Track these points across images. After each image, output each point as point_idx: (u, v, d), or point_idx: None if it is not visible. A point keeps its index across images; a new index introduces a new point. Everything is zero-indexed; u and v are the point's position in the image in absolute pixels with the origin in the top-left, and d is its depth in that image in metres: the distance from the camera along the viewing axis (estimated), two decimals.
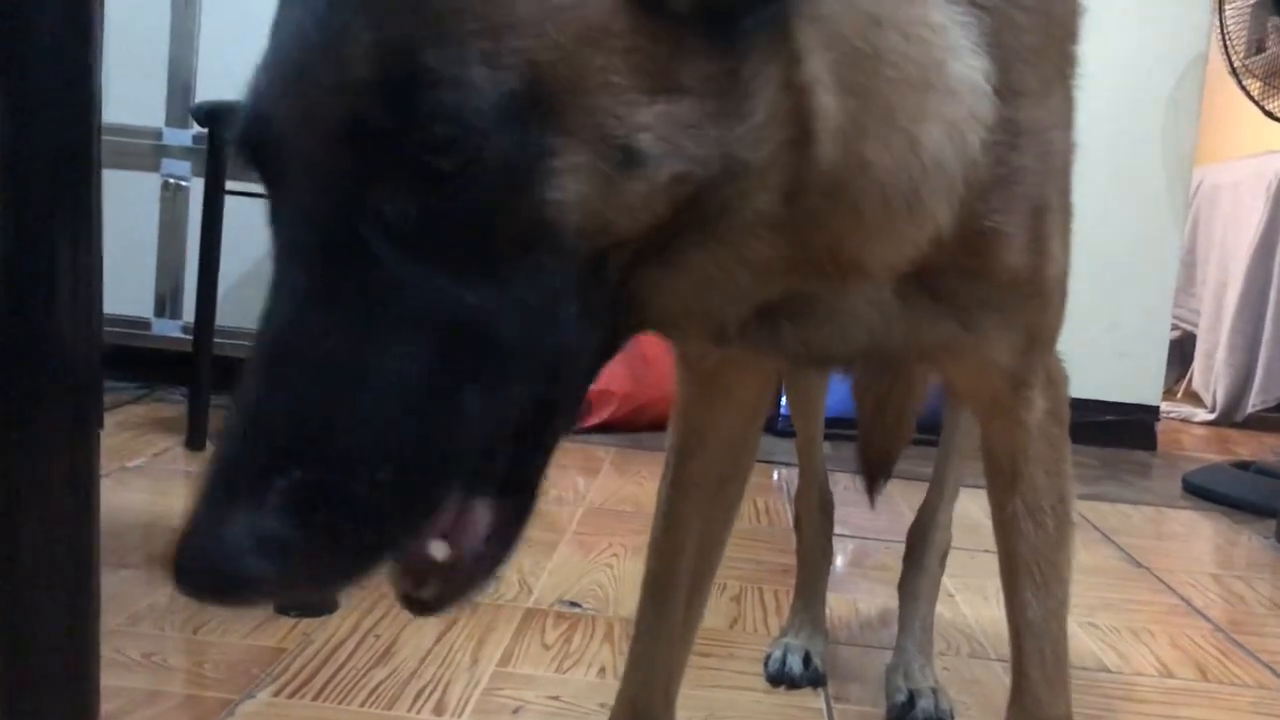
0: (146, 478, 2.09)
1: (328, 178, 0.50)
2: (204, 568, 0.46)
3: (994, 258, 0.70)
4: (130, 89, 2.76)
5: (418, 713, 1.20)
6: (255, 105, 0.52)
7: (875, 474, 1.44)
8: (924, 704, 1.29)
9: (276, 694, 1.22)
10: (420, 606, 0.57)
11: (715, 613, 1.61)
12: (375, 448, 0.48)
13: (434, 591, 0.55)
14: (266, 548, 0.46)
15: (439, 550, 0.54)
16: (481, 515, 0.55)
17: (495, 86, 0.48)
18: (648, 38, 0.51)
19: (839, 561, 1.99)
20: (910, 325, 0.71)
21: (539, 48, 0.49)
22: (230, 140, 0.54)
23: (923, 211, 0.62)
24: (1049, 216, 0.73)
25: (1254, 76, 3.16)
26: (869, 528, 2.07)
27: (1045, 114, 0.71)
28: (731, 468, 0.90)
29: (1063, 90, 0.75)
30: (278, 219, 0.52)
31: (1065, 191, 0.77)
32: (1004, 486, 0.86)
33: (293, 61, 0.51)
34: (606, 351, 0.58)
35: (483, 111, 0.48)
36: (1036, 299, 0.76)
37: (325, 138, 0.49)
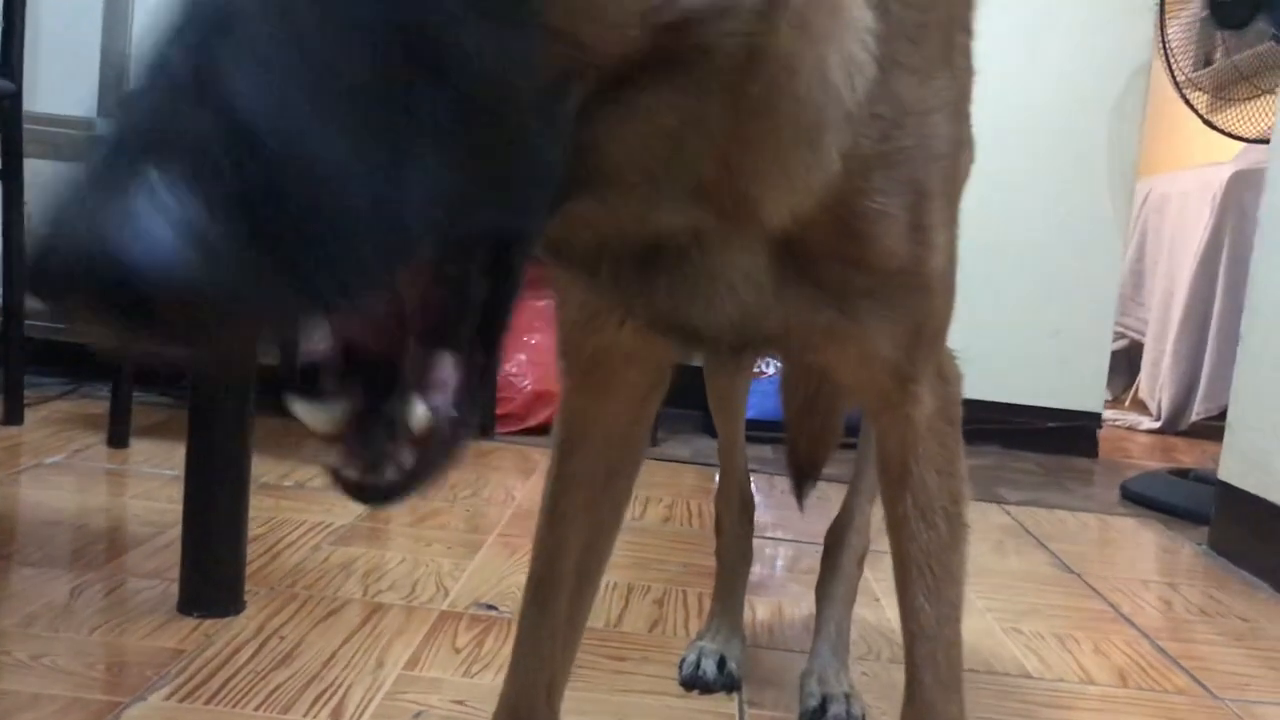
0: (64, 474, 2.04)
1: None
2: (86, 242, 0.33)
3: (874, 242, 0.68)
4: (61, 78, 2.71)
5: (314, 718, 1.17)
6: None
7: (803, 477, 1.42)
8: (835, 709, 1.27)
9: (168, 697, 1.18)
10: (375, 493, 0.49)
11: (636, 615, 1.59)
12: (330, 146, 0.38)
13: (397, 470, 0.48)
14: (199, 245, 0.34)
15: (415, 410, 0.48)
16: (449, 371, 0.49)
17: None
18: None
19: (770, 565, 1.98)
20: (788, 308, 0.69)
21: None
22: None
23: (819, 145, 0.61)
24: (932, 204, 0.71)
25: (1202, 89, 3.18)
26: (806, 531, 2.05)
27: (928, 95, 0.69)
28: (617, 463, 0.87)
29: (948, 76, 0.73)
30: None
31: (950, 180, 0.75)
32: (894, 486, 0.83)
33: None
34: (557, 199, 0.53)
35: None
36: (919, 290, 0.73)
37: None
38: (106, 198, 0.34)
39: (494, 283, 0.50)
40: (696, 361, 1.01)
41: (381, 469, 0.49)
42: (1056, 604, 1.86)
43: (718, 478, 1.46)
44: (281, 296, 0.38)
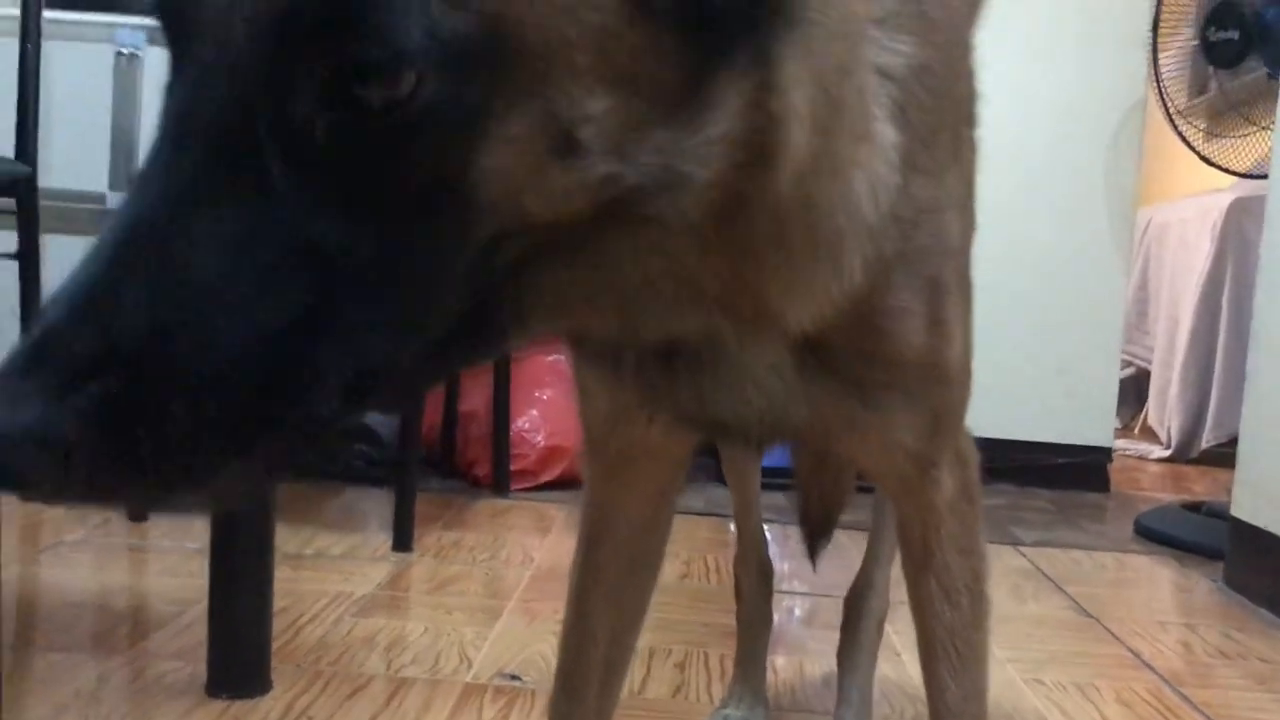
0: (85, 552, 2.05)
1: (242, 61, 0.45)
2: None
3: (894, 338, 0.71)
4: (73, 154, 2.75)
5: None
6: None
7: (816, 534, 1.43)
8: None
9: None
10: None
11: (659, 681, 1.59)
12: (202, 377, 0.45)
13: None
14: (50, 448, 0.43)
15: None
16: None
17: (452, 26, 0.44)
18: (625, 25, 0.48)
19: (789, 619, 1.99)
20: (812, 401, 0.71)
21: (514, 2, 0.46)
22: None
23: (842, 263, 0.63)
24: (947, 298, 0.73)
25: (1196, 120, 3.21)
26: (823, 582, 2.06)
27: (941, 194, 0.71)
28: (642, 552, 0.89)
29: (957, 172, 0.76)
30: (172, 92, 0.48)
31: (964, 274, 0.78)
32: (918, 568, 0.85)
33: None
34: (478, 346, 0.55)
35: (429, 50, 0.44)
36: (939, 382, 0.76)
37: (250, 26, 0.45)
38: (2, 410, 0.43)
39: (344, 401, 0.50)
40: None
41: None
42: (1076, 651, 1.86)
43: (733, 530, 1.47)
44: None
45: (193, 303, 0.45)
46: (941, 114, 0.70)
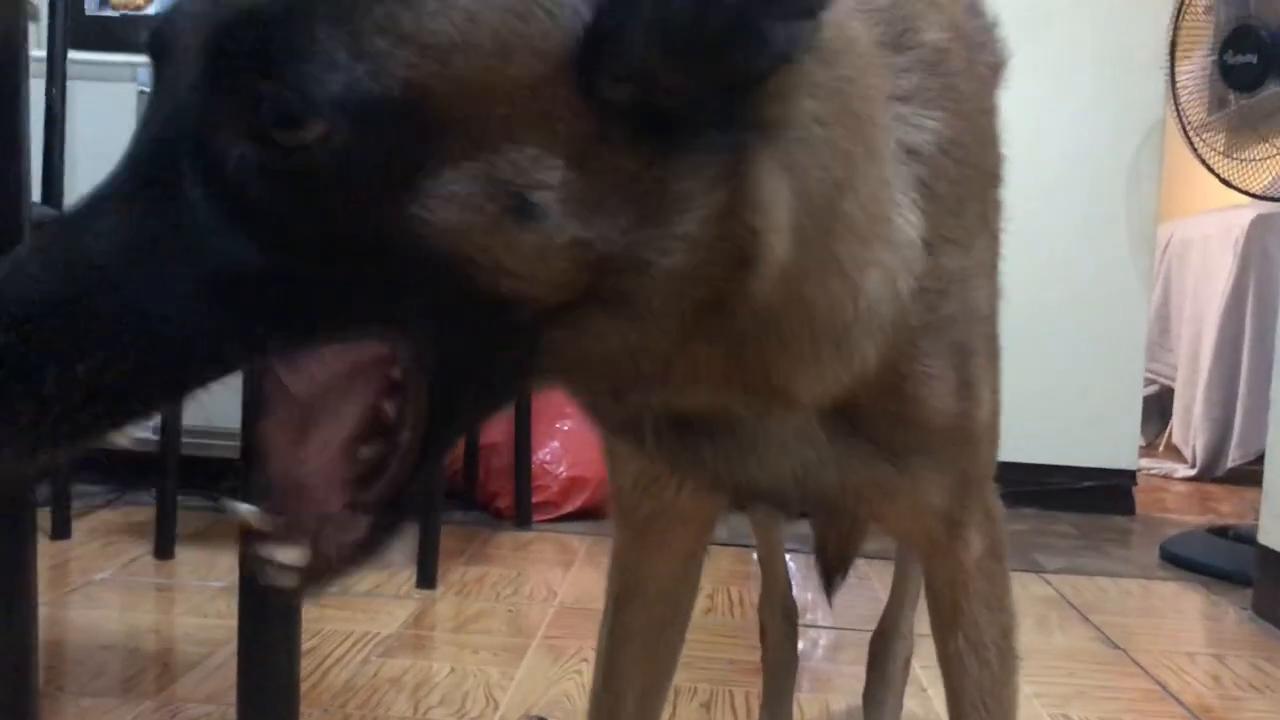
0: (113, 591, 2.07)
1: (185, 95, 0.50)
2: None
3: (923, 403, 0.71)
4: (95, 181, 2.77)
5: None
6: (175, 4, 0.53)
7: (832, 571, 1.43)
8: None
9: None
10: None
11: None
12: (82, 342, 0.49)
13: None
14: None
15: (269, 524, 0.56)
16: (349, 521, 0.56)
17: (370, 88, 0.47)
18: (570, 111, 0.50)
19: (813, 653, 1.98)
20: (842, 466, 0.71)
21: (438, 74, 0.48)
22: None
23: (850, 350, 0.63)
24: (975, 362, 0.74)
25: (1216, 134, 3.20)
26: (846, 615, 2.05)
27: (970, 263, 0.72)
28: (670, 614, 0.89)
29: (986, 238, 0.76)
30: (142, 116, 0.53)
31: (991, 337, 0.78)
32: (946, 624, 0.86)
33: None
34: (495, 391, 0.58)
35: (341, 103, 0.47)
36: (968, 444, 0.76)
37: (198, 55, 0.50)
38: None
39: (422, 460, 0.55)
40: None
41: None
42: (1103, 684, 1.85)
43: (756, 560, 1.47)
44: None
45: (83, 281, 0.49)
46: (970, 184, 0.71)
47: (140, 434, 2.87)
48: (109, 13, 2.90)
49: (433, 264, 0.50)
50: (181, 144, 0.50)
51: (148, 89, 0.54)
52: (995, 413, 0.79)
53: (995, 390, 0.79)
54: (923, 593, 1.37)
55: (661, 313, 0.55)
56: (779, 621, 1.43)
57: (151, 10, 2.91)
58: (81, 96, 2.57)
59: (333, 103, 0.47)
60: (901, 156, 0.65)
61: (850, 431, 0.70)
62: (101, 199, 0.51)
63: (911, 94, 0.67)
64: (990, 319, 0.77)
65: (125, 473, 2.82)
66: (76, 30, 2.51)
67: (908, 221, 0.64)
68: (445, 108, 0.48)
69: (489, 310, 0.52)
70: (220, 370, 0.52)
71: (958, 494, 0.78)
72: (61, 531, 2.37)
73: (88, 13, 2.88)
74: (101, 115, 2.76)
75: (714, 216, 0.53)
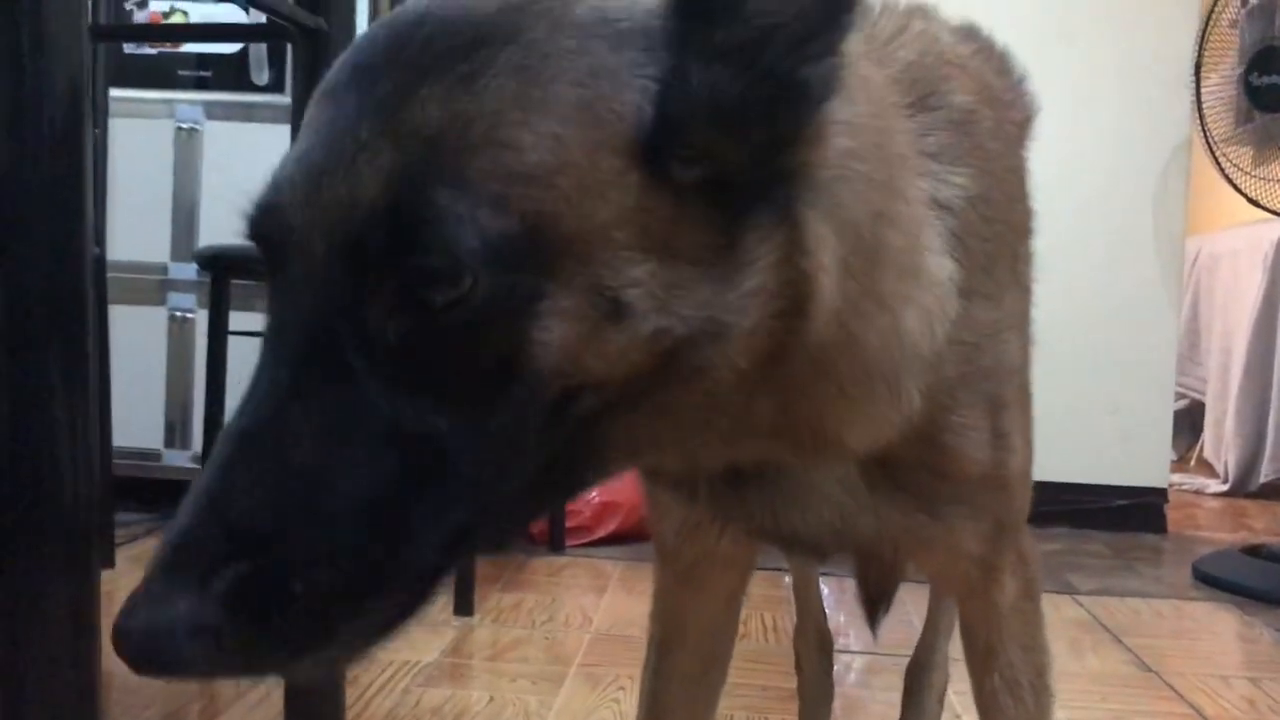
0: None
1: (323, 285, 0.52)
2: (144, 644, 0.49)
3: (959, 454, 0.74)
4: (136, 226, 2.83)
5: None
6: (273, 196, 0.55)
7: (875, 606, 1.45)
8: None
9: None
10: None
11: None
12: (318, 554, 0.51)
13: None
14: (202, 634, 0.49)
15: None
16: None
17: (497, 229, 0.50)
18: (652, 200, 0.53)
19: (847, 678, 1.99)
20: (880, 515, 0.74)
21: (547, 198, 0.51)
22: (244, 222, 0.57)
23: (900, 393, 0.66)
24: (1009, 413, 0.76)
25: (1241, 149, 3.20)
26: (882, 639, 2.06)
27: (1001, 316, 0.74)
28: (712, 655, 0.92)
29: (1017, 291, 0.79)
30: (272, 311, 0.55)
31: (1024, 388, 0.80)
32: (981, 664, 0.88)
33: (314, 163, 0.53)
34: (562, 489, 0.60)
35: (479, 251, 0.50)
36: (1002, 491, 0.78)
37: (328, 246, 0.52)
38: (156, 611, 0.49)
39: (450, 554, 0.55)
40: None
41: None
42: (1137, 709, 1.86)
43: (788, 582, 1.49)
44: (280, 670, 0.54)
45: (300, 491, 0.51)
46: (1000, 241, 0.73)
47: (180, 462, 2.92)
48: (147, 50, 2.96)
49: (535, 378, 0.52)
50: (339, 333, 0.52)
51: (187, 126, 0.55)
52: (1028, 460, 0.81)
53: (1028, 439, 0.81)
54: (955, 621, 1.39)
55: (732, 374, 0.57)
56: (814, 651, 1.45)
57: (188, 49, 2.97)
58: (120, 133, 2.63)
59: (471, 253, 0.50)
60: (933, 208, 0.68)
61: (888, 482, 0.73)
62: (275, 399, 0.52)
63: (939, 151, 0.69)
64: (1023, 370, 0.79)
65: (167, 501, 2.87)
66: (115, 67, 2.56)
67: (941, 267, 0.66)
68: (556, 229, 0.51)
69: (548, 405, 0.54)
70: (448, 551, 0.54)
71: (992, 540, 0.80)
72: (105, 560, 2.41)
73: (126, 50, 2.93)
74: (139, 151, 2.82)
75: (774, 265, 0.56)
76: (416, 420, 0.52)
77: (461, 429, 0.52)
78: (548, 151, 0.51)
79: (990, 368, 0.74)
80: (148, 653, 0.49)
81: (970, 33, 0.85)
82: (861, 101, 0.62)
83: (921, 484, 0.74)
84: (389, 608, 0.53)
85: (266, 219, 0.55)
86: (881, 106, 0.65)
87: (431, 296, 0.50)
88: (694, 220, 0.54)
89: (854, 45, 0.59)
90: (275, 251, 0.54)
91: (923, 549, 0.80)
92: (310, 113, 0.56)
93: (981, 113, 0.74)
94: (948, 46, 0.76)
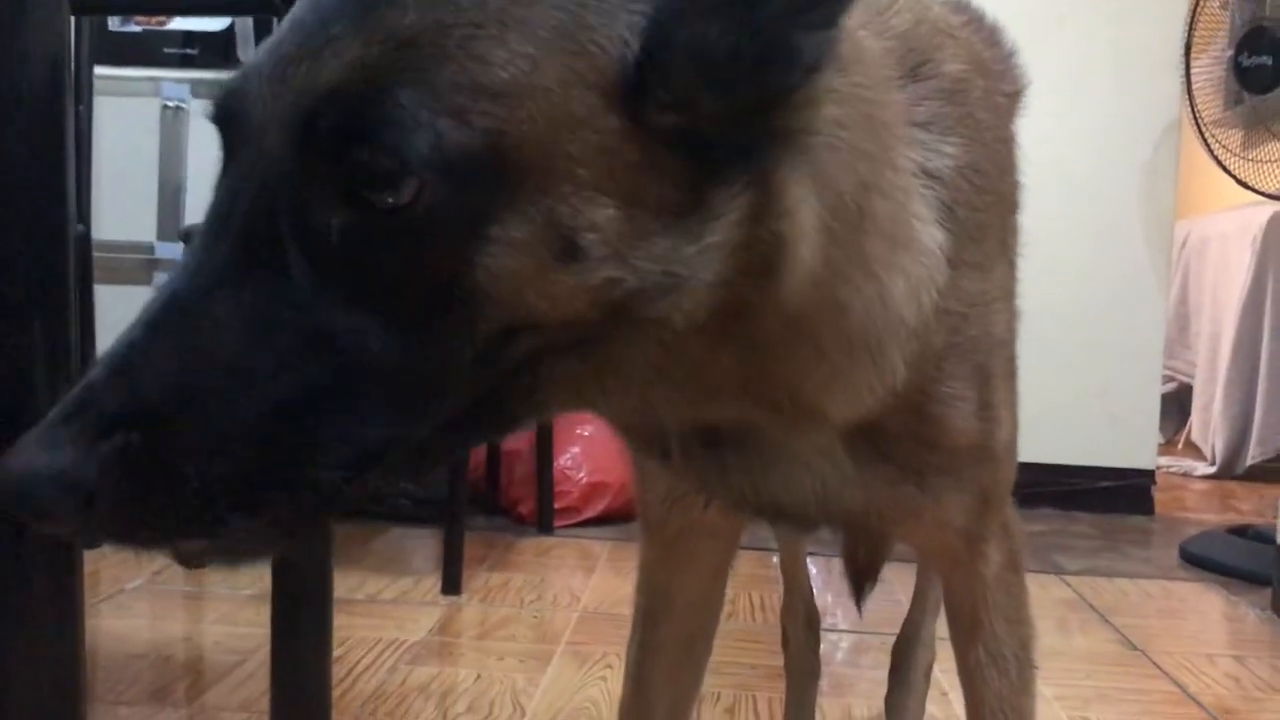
0: (144, 600, 2.10)
1: (270, 167, 0.51)
2: (15, 485, 0.49)
3: (947, 424, 0.73)
4: (122, 206, 2.82)
5: None
6: (239, 82, 0.54)
7: (862, 583, 1.45)
8: None
9: None
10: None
11: None
12: (216, 441, 0.50)
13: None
14: (72, 491, 0.48)
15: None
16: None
17: (456, 141, 0.49)
18: (623, 143, 0.52)
19: (834, 658, 2.00)
20: (865, 486, 0.73)
21: (511, 119, 0.50)
22: (210, 101, 0.56)
23: (884, 361, 0.65)
24: (995, 384, 0.76)
25: (1231, 131, 3.20)
26: (868, 618, 2.06)
27: (990, 287, 0.74)
28: (698, 628, 0.92)
29: (1005, 263, 0.78)
30: (218, 190, 0.54)
31: (1010, 359, 0.80)
32: (966, 637, 0.88)
33: (284, 54, 0.52)
34: (487, 428, 0.58)
35: (433, 161, 0.49)
36: (988, 462, 0.78)
37: (281, 128, 0.51)
38: (35, 456, 0.49)
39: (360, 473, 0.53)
40: None
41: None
42: (1123, 687, 1.87)
43: (776, 563, 1.49)
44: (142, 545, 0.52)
45: (210, 373, 0.51)
46: (990, 211, 0.73)
47: None
48: (133, 28, 2.94)
49: (474, 308, 0.51)
50: (280, 219, 0.51)
51: (173, 104, 0.55)
52: (1013, 432, 0.81)
53: (1013, 412, 0.81)
54: (942, 599, 1.40)
55: (687, 327, 0.56)
56: (801, 629, 1.45)
57: (174, 26, 2.95)
58: (105, 111, 2.61)
59: (423, 160, 0.49)
60: (922, 178, 0.67)
61: (873, 453, 0.72)
62: (207, 276, 0.52)
63: (930, 121, 0.69)
64: (1009, 343, 0.79)
65: None
66: (100, 46, 2.54)
67: (930, 236, 0.66)
68: (519, 153, 0.50)
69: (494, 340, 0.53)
70: (355, 456, 0.52)
71: (978, 511, 0.80)
72: (91, 541, 2.39)
73: (111, 28, 2.91)
74: (125, 130, 2.81)
75: (739, 222, 0.55)
76: (345, 325, 0.51)
77: (390, 345, 0.51)
78: (520, 72, 0.50)
79: (978, 338, 0.73)
80: (16, 495, 0.49)
81: (960, 4, 0.84)
82: (854, 72, 0.61)
83: (908, 455, 0.74)
84: (281, 513, 0.52)
85: (229, 101, 0.54)
86: (875, 78, 0.64)
87: (376, 197, 0.50)
88: (663, 171, 0.53)
89: (854, 16, 0.59)
90: (233, 134, 0.54)
91: (909, 520, 0.80)
92: (292, 10, 0.55)
93: (973, 82, 0.73)
94: (939, 16, 0.76)
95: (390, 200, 0.49)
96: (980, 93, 0.74)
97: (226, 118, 0.55)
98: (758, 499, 0.73)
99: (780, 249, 0.56)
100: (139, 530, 0.51)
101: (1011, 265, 0.80)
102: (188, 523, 0.50)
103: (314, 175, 0.51)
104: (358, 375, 0.51)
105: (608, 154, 0.52)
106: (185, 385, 0.50)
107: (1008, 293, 0.79)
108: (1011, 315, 0.80)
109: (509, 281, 0.51)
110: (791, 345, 0.61)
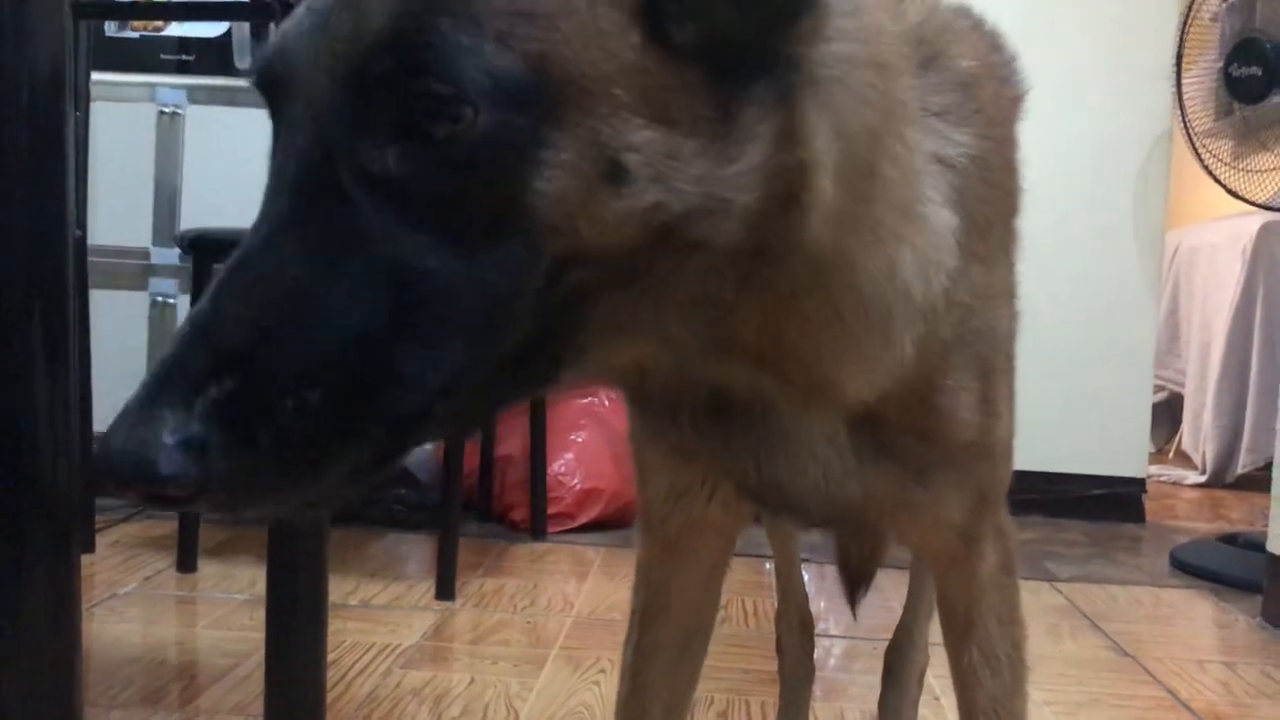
0: (137, 605, 2.10)
1: (325, 117, 0.53)
2: (127, 459, 0.48)
3: (950, 416, 0.74)
4: (118, 211, 2.82)
5: None
6: (279, 42, 0.56)
7: (856, 586, 1.46)
8: None
9: None
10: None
11: None
12: (305, 375, 0.50)
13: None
14: (187, 446, 0.48)
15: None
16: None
17: (501, 65, 0.51)
18: (653, 62, 0.54)
19: (828, 662, 2.01)
20: (866, 479, 0.74)
21: (550, 40, 0.52)
22: (250, 70, 0.57)
23: (892, 336, 0.66)
24: (997, 380, 0.77)
25: (1222, 141, 3.22)
26: (860, 624, 2.07)
27: (994, 281, 0.76)
28: (694, 628, 0.92)
29: (1006, 262, 0.80)
30: (274, 152, 0.55)
31: (1010, 358, 0.81)
32: (960, 638, 0.88)
33: (318, 6, 0.54)
34: (536, 376, 0.59)
35: (483, 86, 0.50)
36: (987, 459, 0.79)
37: (330, 79, 0.52)
38: (141, 428, 0.49)
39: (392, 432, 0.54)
40: None
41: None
42: (1114, 692, 1.88)
43: (769, 569, 1.49)
44: (267, 494, 0.52)
45: (289, 311, 0.51)
46: (995, 205, 0.74)
47: None
48: (129, 34, 2.94)
49: (532, 235, 0.53)
50: (338, 162, 0.52)
51: (169, 109, 0.56)
52: (1011, 432, 0.82)
53: (1012, 410, 0.82)
54: (935, 604, 1.40)
55: (727, 252, 0.57)
56: (795, 634, 1.46)
57: (170, 32, 2.95)
58: (102, 116, 2.62)
59: (474, 84, 0.50)
60: (936, 163, 0.68)
61: (876, 447, 0.73)
62: (271, 227, 0.53)
63: (944, 110, 0.70)
64: (1010, 340, 0.80)
65: None
66: (97, 51, 2.55)
67: (940, 218, 0.67)
68: (561, 74, 0.52)
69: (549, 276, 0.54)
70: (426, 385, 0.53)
71: (975, 511, 0.81)
72: (85, 545, 2.40)
73: (108, 34, 2.92)
74: (121, 135, 2.81)
75: (771, 146, 0.56)
76: (411, 255, 0.52)
77: (455, 273, 0.52)
78: None
79: (982, 330, 0.74)
80: (131, 469, 0.48)
81: (963, 10, 0.85)
82: (866, 16, 0.62)
83: (910, 449, 0.75)
84: (373, 445, 0.53)
85: (274, 60, 0.56)
86: (889, 42, 0.65)
87: (432, 126, 0.51)
88: (693, 90, 0.55)
89: None
90: (278, 96, 0.55)
91: (908, 516, 0.81)
92: None
93: (984, 81, 0.75)
94: (950, 16, 0.77)
95: (448, 128, 0.51)
96: (990, 92, 0.75)
97: (270, 80, 0.56)
98: (760, 481, 0.73)
99: (802, 178, 0.58)
100: (254, 478, 0.50)
101: (1011, 268, 0.81)
102: (297, 462, 0.51)
103: (370, 115, 0.52)
104: (425, 305, 0.52)
105: (639, 74, 0.54)
106: (268, 328, 0.51)
107: (1010, 290, 0.80)
108: (1013, 314, 0.81)
109: (561, 206, 0.52)
110: (809, 297, 0.62)
